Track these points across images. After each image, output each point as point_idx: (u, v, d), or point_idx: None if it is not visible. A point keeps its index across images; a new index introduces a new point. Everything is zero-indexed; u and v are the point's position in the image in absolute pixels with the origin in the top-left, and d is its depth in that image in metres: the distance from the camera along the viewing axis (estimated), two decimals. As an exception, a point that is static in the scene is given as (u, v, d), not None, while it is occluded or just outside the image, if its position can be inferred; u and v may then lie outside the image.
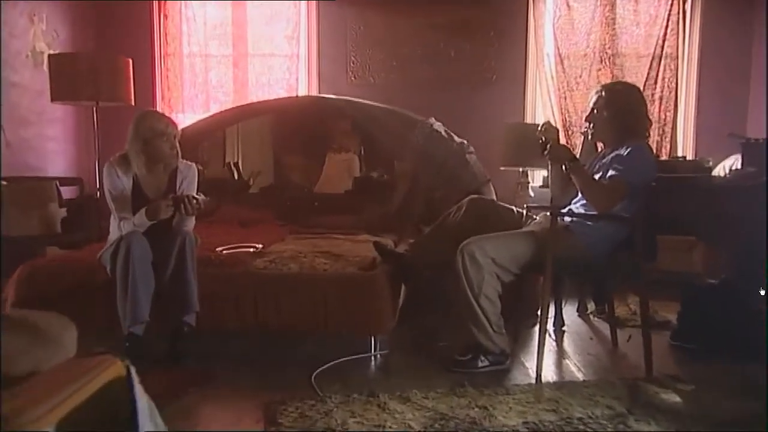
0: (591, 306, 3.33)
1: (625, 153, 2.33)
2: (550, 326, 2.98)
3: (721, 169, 3.33)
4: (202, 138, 4.37)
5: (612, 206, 2.29)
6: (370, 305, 2.51)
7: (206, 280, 2.54)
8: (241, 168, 4.64)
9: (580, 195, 2.51)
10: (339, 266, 2.66)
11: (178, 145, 2.58)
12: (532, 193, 4.17)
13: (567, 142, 4.49)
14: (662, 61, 4.43)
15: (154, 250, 2.44)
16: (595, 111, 2.47)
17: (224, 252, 2.79)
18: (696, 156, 4.40)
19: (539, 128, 2.53)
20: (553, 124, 2.73)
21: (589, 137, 2.52)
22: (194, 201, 2.41)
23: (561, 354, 2.68)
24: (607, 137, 2.47)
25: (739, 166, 3.19)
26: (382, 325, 2.53)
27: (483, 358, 2.37)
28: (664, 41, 4.41)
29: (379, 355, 2.57)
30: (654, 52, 4.43)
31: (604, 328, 3.03)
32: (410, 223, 3.69)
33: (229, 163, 4.51)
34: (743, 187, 2.39)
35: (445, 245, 2.57)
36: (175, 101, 4.55)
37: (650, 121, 2.46)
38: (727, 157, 3.60)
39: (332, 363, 2.42)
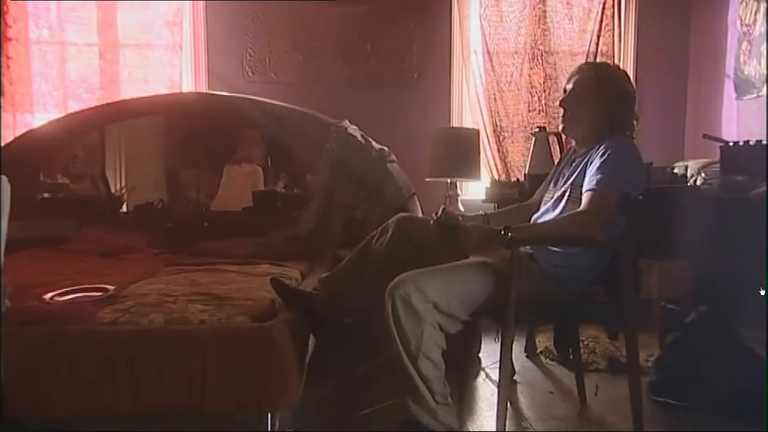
0: (540, 343, 2.77)
1: (607, 154, 1.75)
2: (497, 376, 2.38)
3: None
4: (63, 144, 3.52)
5: (597, 230, 1.70)
6: (265, 371, 1.79)
7: (24, 343, 1.75)
8: (123, 182, 3.80)
9: (543, 207, 1.92)
10: (223, 315, 1.91)
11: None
12: (462, 208, 3.61)
13: (498, 150, 3.97)
14: (597, 60, 4.01)
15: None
16: (576, 96, 1.87)
17: (55, 300, 1.98)
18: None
19: (435, 216, 1.91)
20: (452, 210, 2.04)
21: (561, 129, 1.93)
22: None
23: (518, 418, 2.08)
24: (585, 133, 1.88)
25: (689, 174, 2.78)
26: (283, 397, 1.81)
27: (423, 440, 1.71)
28: (599, 38, 4.00)
29: (279, 439, 1.86)
30: (588, 49, 4.01)
31: (561, 373, 2.48)
32: (326, 248, 3.02)
33: (95, 175, 3.63)
34: (740, 200, 1.89)
35: (368, 281, 1.94)
36: (21, 98, 3.62)
37: (637, 117, 1.90)
38: (673, 162, 3.21)
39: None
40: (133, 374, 1.78)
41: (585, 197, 1.72)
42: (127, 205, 3.61)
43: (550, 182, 2.01)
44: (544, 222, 1.83)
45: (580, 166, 1.82)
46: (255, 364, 1.80)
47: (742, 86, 3.57)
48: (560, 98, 1.94)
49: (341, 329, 2.09)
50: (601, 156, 1.75)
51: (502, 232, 1.68)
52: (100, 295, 2.04)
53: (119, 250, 2.97)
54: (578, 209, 1.72)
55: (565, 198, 1.83)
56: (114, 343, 1.81)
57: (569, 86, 1.93)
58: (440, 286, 1.67)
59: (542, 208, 1.94)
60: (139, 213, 3.51)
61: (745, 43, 3.59)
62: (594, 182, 1.72)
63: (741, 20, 3.63)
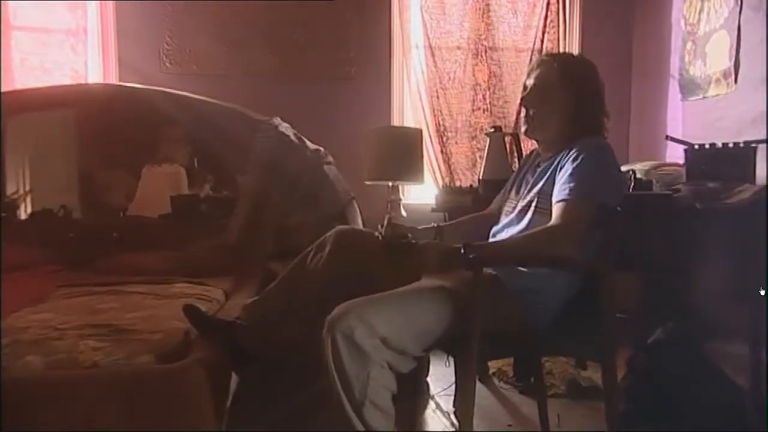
0: (492, 363, 2.53)
1: (580, 158, 1.52)
2: (449, 406, 2.13)
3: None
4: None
5: (573, 247, 1.46)
6: (175, 424, 1.46)
7: None
8: (26, 185, 3.32)
9: (505, 219, 1.67)
10: (122, 354, 1.55)
11: None
12: (404, 213, 3.35)
13: (442, 151, 3.74)
14: (531, 62, 3.85)
15: None
16: (540, 92, 1.64)
17: None
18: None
19: (381, 228, 1.66)
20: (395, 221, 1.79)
21: (524, 131, 1.68)
22: None
23: (476, 457, 1.82)
24: (552, 134, 1.65)
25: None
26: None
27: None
28: (544, 34, 3.84)
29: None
30: (533, 46, 3.84)
31: (518, 399, 2.26)
32: (255, 261, 2.69)
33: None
34: (719, 208, 1.71)
35: (302, 307, 1.65)
36: None
37: (608, 115, 1.68)
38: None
39: None
40: (2, 435, 1.41)
41: (557, 209, 1.48)
42: (21, 212, 3.14)
43: (510, 190, 1.77)
44: (511, 239, 1.57)
45: (548, 172, 1.58)
46: (162, 416, 1.46)
47: (688, 87, 3.48)
48: (522, 95, 1.70)
49: (269, 365, 1.77)
50: (573, 160, 1.52)
51: (463, 251, 1.41)
52: (-38, 333, 1.63)
53: (6, 268, 2.52)
54: (550, 223, 1.48)
55: (532, 209, 1.58)
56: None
57: (530, 82, 1.70)
58: (390, 318, 1.39)
59: (503, 220, 1.69)
60: (35, 222, 3.05)
61: (690, 43, 3.50)
62: (567, 191, 1.48)
63: (685, 19, 3.55)
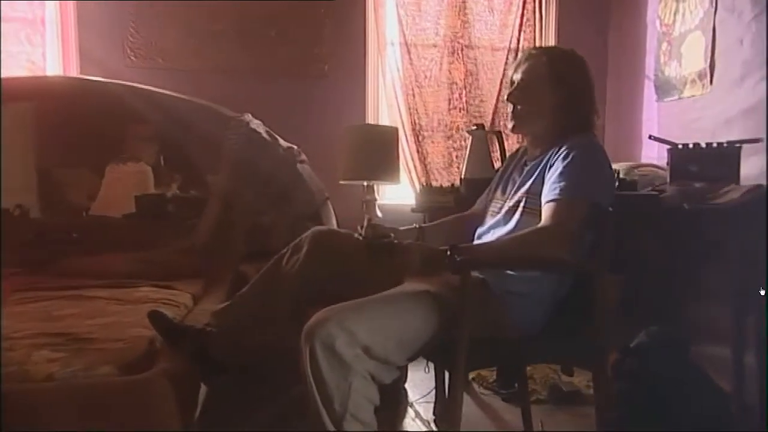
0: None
1: (571, 157, 1.45)
2: (430, 414, 2.05)
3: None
4: None
5: (565, 249, 1.39)
6: (137, 440, 1.35)
7: None
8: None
9: (491, 220, 1.60)
10: (80, 365, 1.43)
11: None
12: (380, 214, 3.26)
13: (417, 150, 3.67)
14: (519, 56, 3.81)
15: None
16: (528, 87, 1.57)
17: None
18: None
19: (361, 229, 1.58)
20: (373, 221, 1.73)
21: (510, 126, 1.61)
22: None
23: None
24: (541, 130, 1.58)
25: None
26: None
27: None
28: (520, 32, 3.80)
29: None
30: (510, 45, 3.79)
31: (499, 405, 2.19)
32: (225, 264, 2.58)
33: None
34: (708, 209, 1.66)
35: (278, 313, 1.56)
36: None
37: (598, 112, 1.63)
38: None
39: None
40: (-56, 457, 1.28)
41: (547, 209, 1.41)
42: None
43: (496, 190, 1.69)
44: (500, 240, 1.50)
45: (537, 171, 1.51)
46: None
47: (663, 88, 3.47)
48: (509, 90, 1.63)
49: (241, 375, 1.66)
50: (563, 159, 1.45)
51: (449, 253, 1.34)
52: None
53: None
54: (540, 224, 1.41)
55: (520, 209, 1.51)
56: None
57: (517, 76, 1.63)
58: (372, 325, 1.30)
59: (489, 221, 1.61)
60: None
61: (665, 44, 3.50)
62: (557, 191, 1.41)
63: (660, 20, 3.54)
